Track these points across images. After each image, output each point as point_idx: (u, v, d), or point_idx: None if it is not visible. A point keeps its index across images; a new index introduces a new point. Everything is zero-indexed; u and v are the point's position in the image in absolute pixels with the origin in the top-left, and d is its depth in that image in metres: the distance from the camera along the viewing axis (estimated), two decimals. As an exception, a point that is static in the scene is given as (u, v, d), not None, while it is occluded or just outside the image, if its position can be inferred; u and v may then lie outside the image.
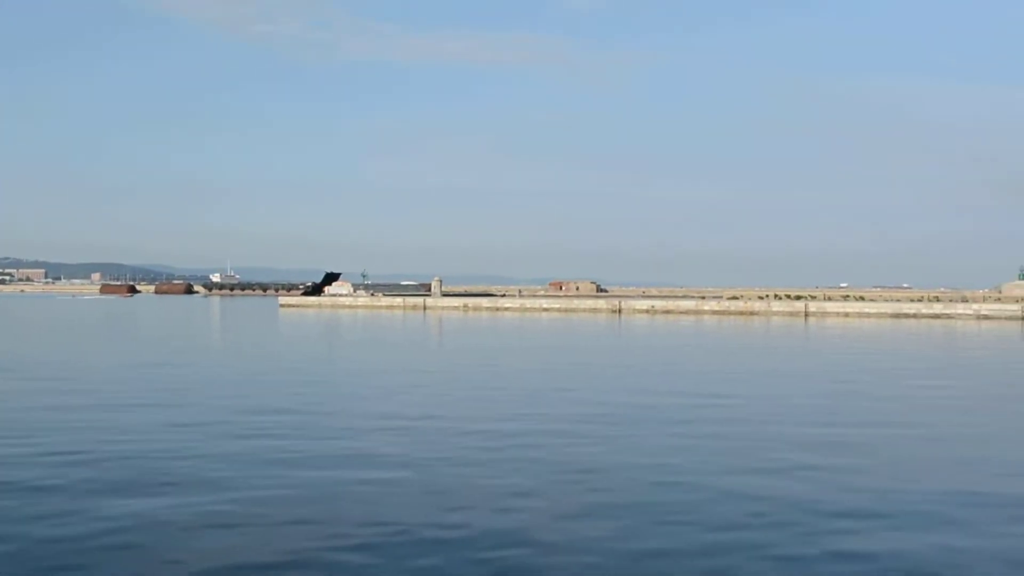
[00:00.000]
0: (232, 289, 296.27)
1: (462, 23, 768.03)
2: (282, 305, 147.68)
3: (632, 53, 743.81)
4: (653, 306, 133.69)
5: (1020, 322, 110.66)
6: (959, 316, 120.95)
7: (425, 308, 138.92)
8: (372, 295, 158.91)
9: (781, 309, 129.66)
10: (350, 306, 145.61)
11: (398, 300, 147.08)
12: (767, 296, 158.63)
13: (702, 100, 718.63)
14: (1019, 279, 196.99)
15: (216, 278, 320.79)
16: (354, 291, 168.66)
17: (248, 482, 18.41)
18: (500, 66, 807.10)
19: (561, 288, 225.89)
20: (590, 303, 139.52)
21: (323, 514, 15.99)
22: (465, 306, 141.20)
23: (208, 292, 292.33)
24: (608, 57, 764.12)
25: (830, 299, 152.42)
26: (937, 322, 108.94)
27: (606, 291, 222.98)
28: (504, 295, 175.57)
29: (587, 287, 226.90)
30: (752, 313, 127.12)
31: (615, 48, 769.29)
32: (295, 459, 20.81)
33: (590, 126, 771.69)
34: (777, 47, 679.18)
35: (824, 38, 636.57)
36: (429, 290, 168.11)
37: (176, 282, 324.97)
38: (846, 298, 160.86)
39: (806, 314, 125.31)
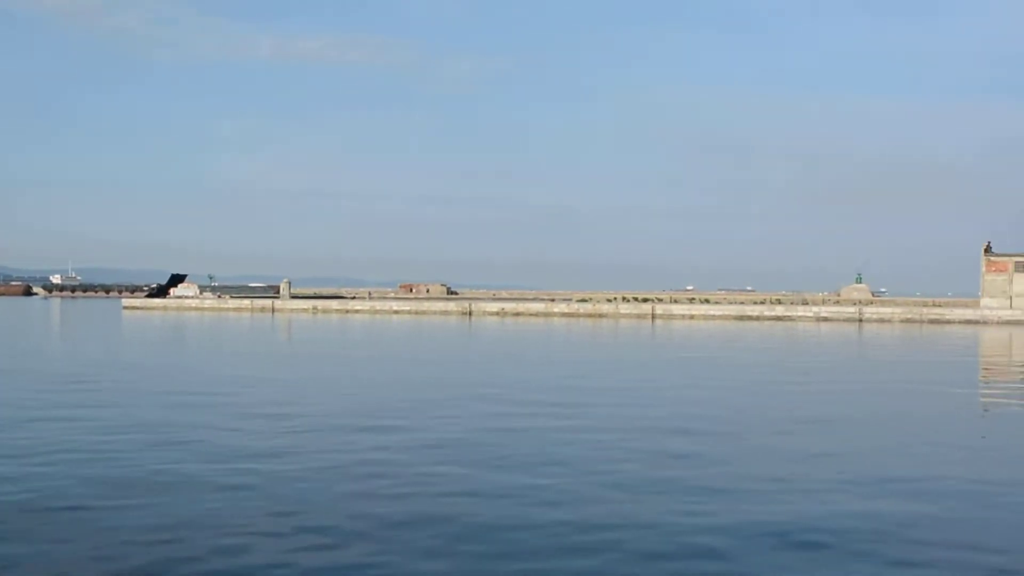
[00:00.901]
0: (74, 291, 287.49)
1: (314, 22, 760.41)
2: (126, 307, 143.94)
3: (484, 57, 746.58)
4: (503, 308, 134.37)
5: (856, 323, 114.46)
6: (800, 318, 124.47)
7: (273, 310, 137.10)
8: (219, 297, 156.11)
9: (629, 311, 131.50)
10: (196, 308, 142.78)
11: (246, 302, 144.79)
12: (615, 299, 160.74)
13: (552, 105, 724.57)
14: (856, 283, 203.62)
15: (56, 279, 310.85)
16: (200, 293, 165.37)
17: None
18: (351, 67, 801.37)
19: (411, 290, 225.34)
20: (440, 305, 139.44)
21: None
22: (314, 308, 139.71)
23: (48, 294, 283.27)
24: (461, 61, 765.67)
25: (676, 302, 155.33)
26: (779, 324, 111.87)
27: (456, 293, 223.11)
28: (354, 297, 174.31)
29: (437, 289, 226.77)
30: (600, 315, 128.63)
31: (467, 52, 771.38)
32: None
33: (441, 129, 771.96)
34: (625, 56, 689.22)
35: (664, 49, 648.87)
36: (278, 292, 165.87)
37: (14, 283, 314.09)
38: (692, 301, 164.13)
39: (653, 316, 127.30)
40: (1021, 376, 46.34)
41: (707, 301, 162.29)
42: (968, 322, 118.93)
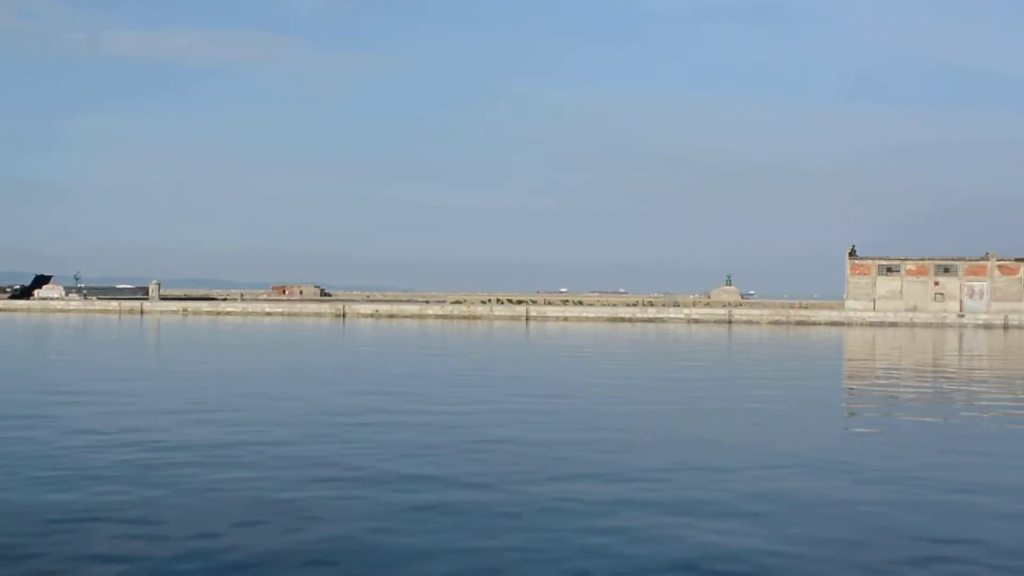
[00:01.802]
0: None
1: (186, 18, 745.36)
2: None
3: (359, 55, 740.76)
4: (378, 310, 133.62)
5: (726, 325, 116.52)
6: (671, 320, 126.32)
7: (142, 312, 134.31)
8: (86, 298, 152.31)
9: (503, 313, 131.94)
10: (62, 310, 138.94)
11: (113, 304, 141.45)
12: (490, 300, 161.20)
13: (434, 105, 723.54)
14: (726, 285, 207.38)
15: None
16: (66, 294, 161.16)
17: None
18: (226, 64, 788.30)
19: (284, 292, 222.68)
20: (314, 307, 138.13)
21: None
22: (184, 310, 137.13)
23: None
24: (335, 59, 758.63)
25: (550, 303, 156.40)
26: (651, 325, 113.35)
27: (330, 295, 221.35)
28: (225, 299, 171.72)
29: (311, 291, 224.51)
30: (475, 317, 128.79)
31: (342, 50, 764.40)
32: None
33: (314, 129, 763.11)
34: (507, 57, 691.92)
35: (545, 51, 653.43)
36: (147, 293, 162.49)
37: None
38: (565, 302, 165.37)
39: (527, 318, 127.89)
40: (883, 377, 47.54)
41: (580, 303, 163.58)
42: (833, 323, 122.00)
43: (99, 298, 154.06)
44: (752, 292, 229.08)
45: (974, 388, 41.41)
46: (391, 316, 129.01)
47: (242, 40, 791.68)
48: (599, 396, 35.30)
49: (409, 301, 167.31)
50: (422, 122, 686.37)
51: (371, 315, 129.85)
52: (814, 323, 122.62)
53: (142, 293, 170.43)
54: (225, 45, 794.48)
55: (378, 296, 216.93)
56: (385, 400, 32.80)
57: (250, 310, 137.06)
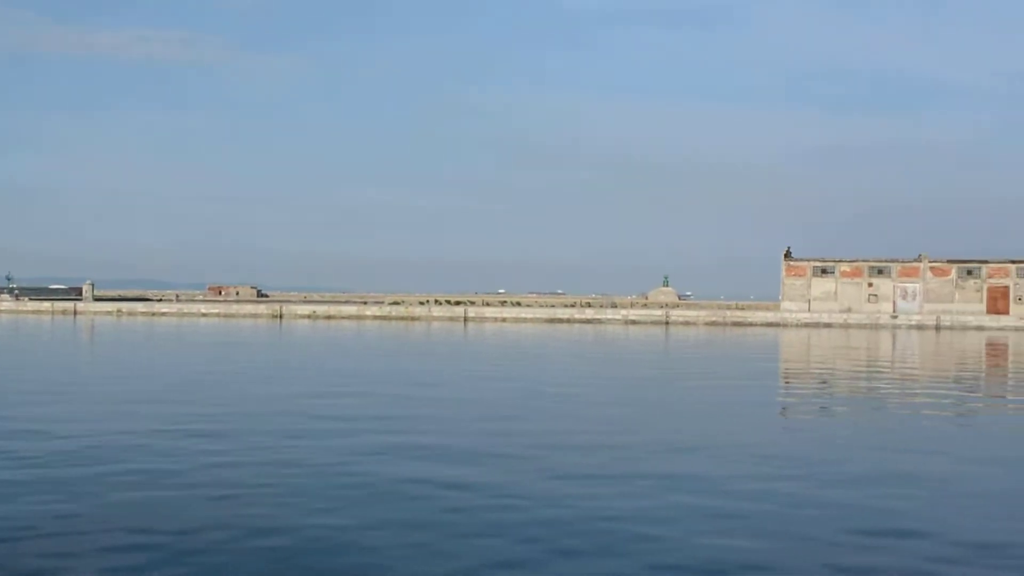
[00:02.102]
0: None
1: (113, 15, 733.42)
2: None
3: (296, 56, 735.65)
4: (315, 311, 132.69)
5: (663, 326, 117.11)
6: (609, 321, 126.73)
7: (76, 313, 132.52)
8: (17, 299, 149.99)
9: (441, 314, 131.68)
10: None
11: (46, 304, 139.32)
12: (428, 301, 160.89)
13: (356, 105, 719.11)
14: (664, 286, 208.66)
15: None
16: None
17: None
18: (155, 62, 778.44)
19: (220, 292, 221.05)
20: (250, 308, 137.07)
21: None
22: (119, 311, 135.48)
23: None
24: (272, 58, 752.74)
25: (488, 304, 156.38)
26: (589, 327, 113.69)
27: (267, 296, 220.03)
28: (160, 300, 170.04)
29: (247, 292, 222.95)
30: (413, 318, 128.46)
31: (279, 49, 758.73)
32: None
33: (248, 128, 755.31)
34: (429, 57, 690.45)
35: (469, 52, 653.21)
36: (81, 294, 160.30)
37: None
38: (504, 303, 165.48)
39: (465, 319, 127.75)
40: (816, 377, 48.02)
41: (519, 304, 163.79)
42: (769, 324, 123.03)
43: (31, 299, 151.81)
44: (689, 293, 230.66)
45: (905, 387, 41.92)
46: (328, 317, 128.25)
47: (169, 37, 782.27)
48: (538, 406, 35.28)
49: (347, 302, 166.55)
50: (360, 122, 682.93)
51: (308, 316, 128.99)
52: (750, 324, 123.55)
53: (75, 294, 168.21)
54: (153, 42, 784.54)
55: (316, 297, 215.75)
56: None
57: (186, 311, 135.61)
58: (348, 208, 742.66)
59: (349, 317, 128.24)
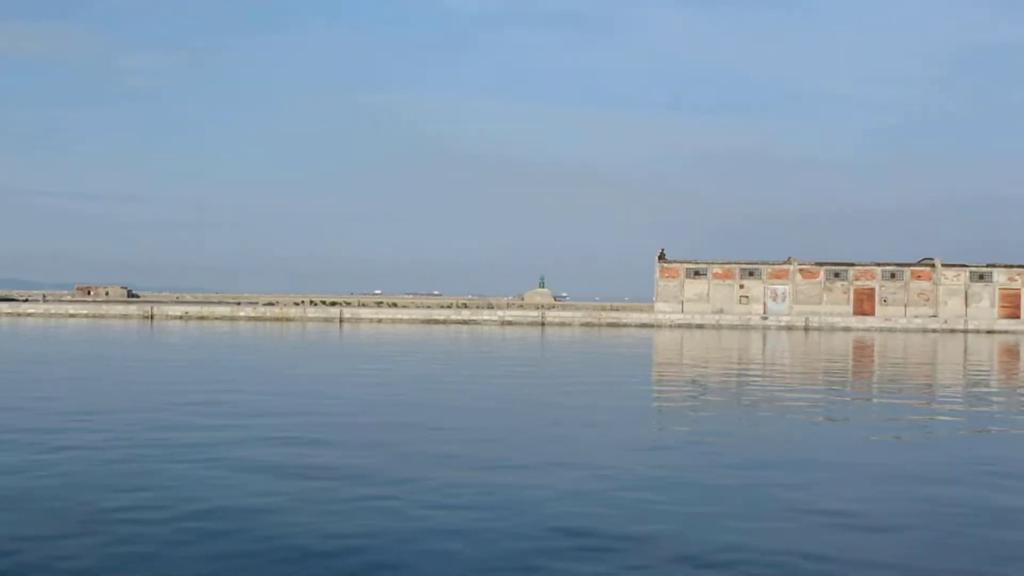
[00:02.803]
0: None
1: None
2: None
3: (170, 53, 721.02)
4: (188, 312, 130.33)
5: (539, 327, 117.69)
6: (485, 322, 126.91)
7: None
8: None
9: (316, 315, 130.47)
10: None
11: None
12: (303, 302, 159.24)
13: (233, 103, 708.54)
14: (540, 287, 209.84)
15: None
16: None
17: None
18: (26, 57, 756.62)
19: (89, 293, 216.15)
20: (120, 308, 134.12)
21: None
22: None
23: None
24: (144, 55, 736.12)
25: (364, 305, 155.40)
26: (465, 327, 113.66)
27: (138, 296, 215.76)
28: (27, 300, 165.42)
29: (117, 292, 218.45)
30: (288, 319, 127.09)
31: (153, 46, 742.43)
32: None
33: (111, 125, 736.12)
34: (309, 55, 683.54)
35: (347, 50, 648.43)
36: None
37: None
38: (380, 304, 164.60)
39: (341, 320, 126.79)
40: (690, 377, 48.62)
41: (395, 305, 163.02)
42: (643, 325, 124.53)
43: None
44: (565, 294, 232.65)
45: (774, 386, 42.66)
46: (201, 318, 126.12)
47: (42, 32, 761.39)
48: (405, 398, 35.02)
49: (220, 303, 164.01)
50: (237, 121, 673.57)
51: (180, 317, 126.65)
52: (625, 325, 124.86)
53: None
54: (24, 37, 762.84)
55: (188, 298, 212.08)
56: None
57: (53, 311, 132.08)
58: (223, 208, 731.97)
59: (222, 318, 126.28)
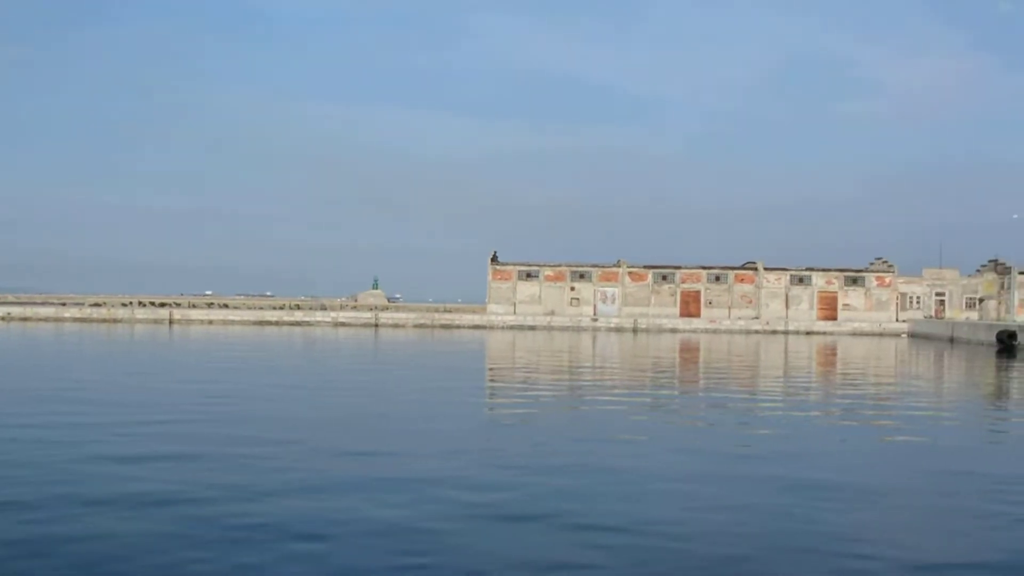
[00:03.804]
0: None
1: None
2: None
3: (12, 49, 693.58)
4: (9, 313, 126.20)
5: (373, 328, 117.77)
6: (318, 323, 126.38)
7: None
8: None
9: (145, 316, 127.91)
10: None
11: None
12: (131, 303, 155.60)
13: (71, 99, 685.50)
14: (373, 288, 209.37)
15: None
16: None
17: None
18: None
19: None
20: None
21: None
22: None
23: None
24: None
25: (195, 306, 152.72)
26: (298, 328, 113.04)
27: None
28: None
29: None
30: (115, 320, 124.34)
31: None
32: None
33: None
34: (145, 51, 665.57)
35: (187, 48, 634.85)
36: None
37: None
38: (210, 306, 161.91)
39: (170, 321, 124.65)
40: (520, 377, 49.54)
41: (226, 306, 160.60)
42: (476, 327, 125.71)
43: None
44: (398, 296, 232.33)
45: (603, 386, 43.93)
46: (24, 319, 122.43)
47: None
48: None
49: (44, 303, 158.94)
50: (47, 111, 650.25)
51: (3, 318, 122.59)
52: (458, 326, 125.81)
53: None
54: None
55: (10, 299, 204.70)
56: None
57: None
58: (45, 206, 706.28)
59: (47, 319, 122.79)
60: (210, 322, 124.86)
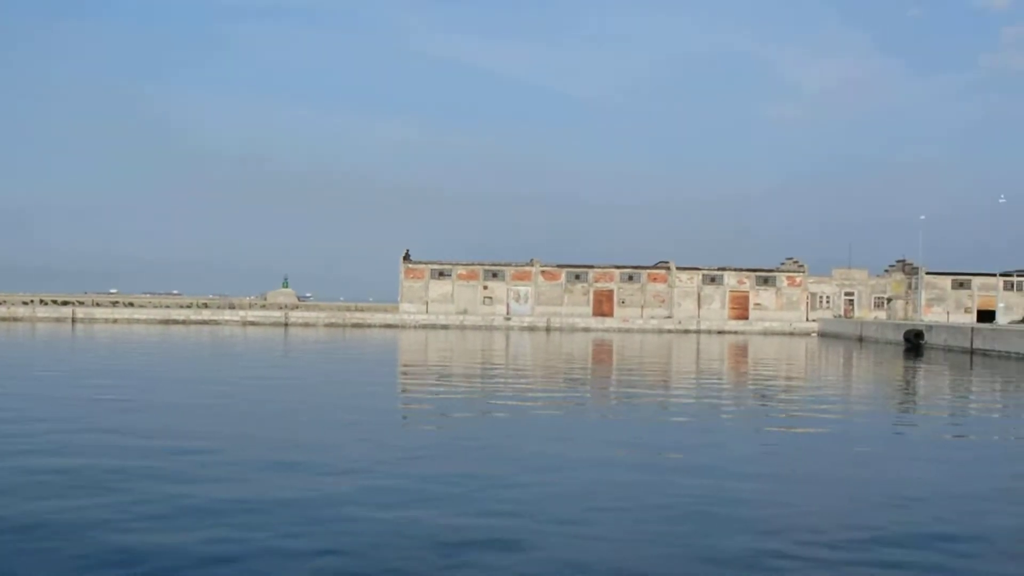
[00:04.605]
0: None
1: None
2: None
3: None
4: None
5: (283, 327, 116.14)
6: (226, 322, 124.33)
7: None
8: None
9: (47, 315, 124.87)
10: None
11: None
12: (32, 301, 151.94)
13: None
14: (283, 287, 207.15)
15: None
16: None
17: None
18: None
19: None
20: None
21: None
22: None
23: None
24: None
25: (99, 305, 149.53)
26: (206, 328, 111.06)
27: None
28: None
29: None
30: (15, 319, 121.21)
31: None
32: None
33: None
34: (53, 48, 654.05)
35: (98, 41, 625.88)
36: None
37: None
38: (115, 304, 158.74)
39: (73, 320, 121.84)
40: (432, 376, 48.86)
41: (131, 304, 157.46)
42: (388, 326, 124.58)
43: None
44: (309, 294, 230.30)
45: (517, 385, 43.32)
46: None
47: None
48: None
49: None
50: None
51: None
52: (369, 325, 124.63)
53: None
54: None
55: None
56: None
57: None
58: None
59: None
60: (115, 321, 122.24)
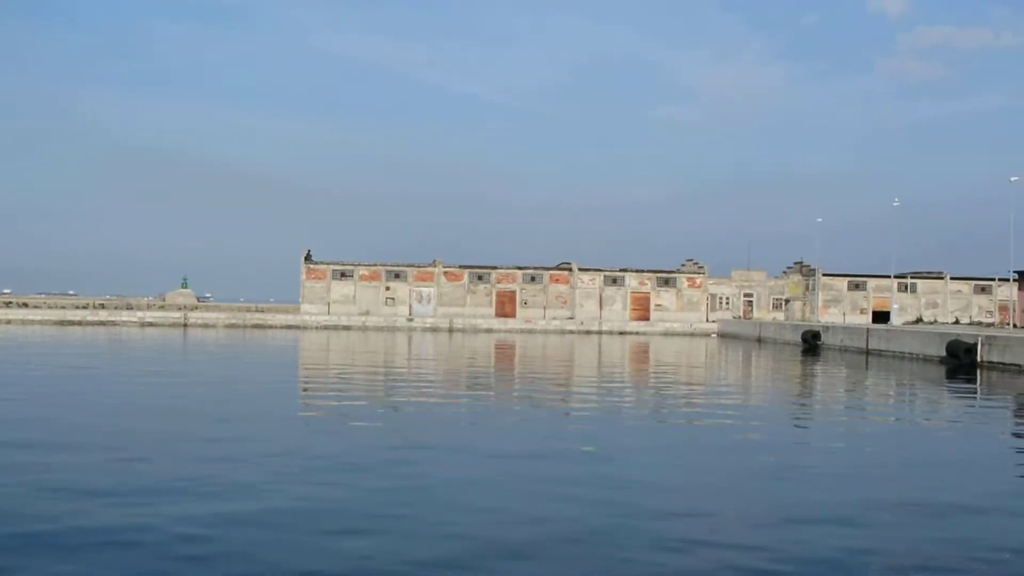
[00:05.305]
0: None
1: None
2: None
3: None
4: None
5: (182, 328, 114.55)
6: (124, 323, 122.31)
7: None
8: None
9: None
10: None
11: None
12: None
13: None
14: (182, 287, 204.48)
15: None
16: None
17: None
18: None
19: None
20: None
21: None
22: None
23: None
24: None
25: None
26: (102, 328, 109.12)
27: None
28: None
29: None
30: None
31: None
32: None
33: None
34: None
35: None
36: None
37: None
38: (9, 305, 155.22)
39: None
40: (333, 378, 48.59)
41: (26, 305, 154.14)
42: (289, 327, 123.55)
43: None
44: (209, 295, 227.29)
45: (419, 387, 43.26)
46: None
47: None
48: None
49: None
50: None
51: None
52: (270, 326, 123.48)
53: None
54: None
55: None
56: None
57: None
58: None
59: None
60: (8, 321, 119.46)
